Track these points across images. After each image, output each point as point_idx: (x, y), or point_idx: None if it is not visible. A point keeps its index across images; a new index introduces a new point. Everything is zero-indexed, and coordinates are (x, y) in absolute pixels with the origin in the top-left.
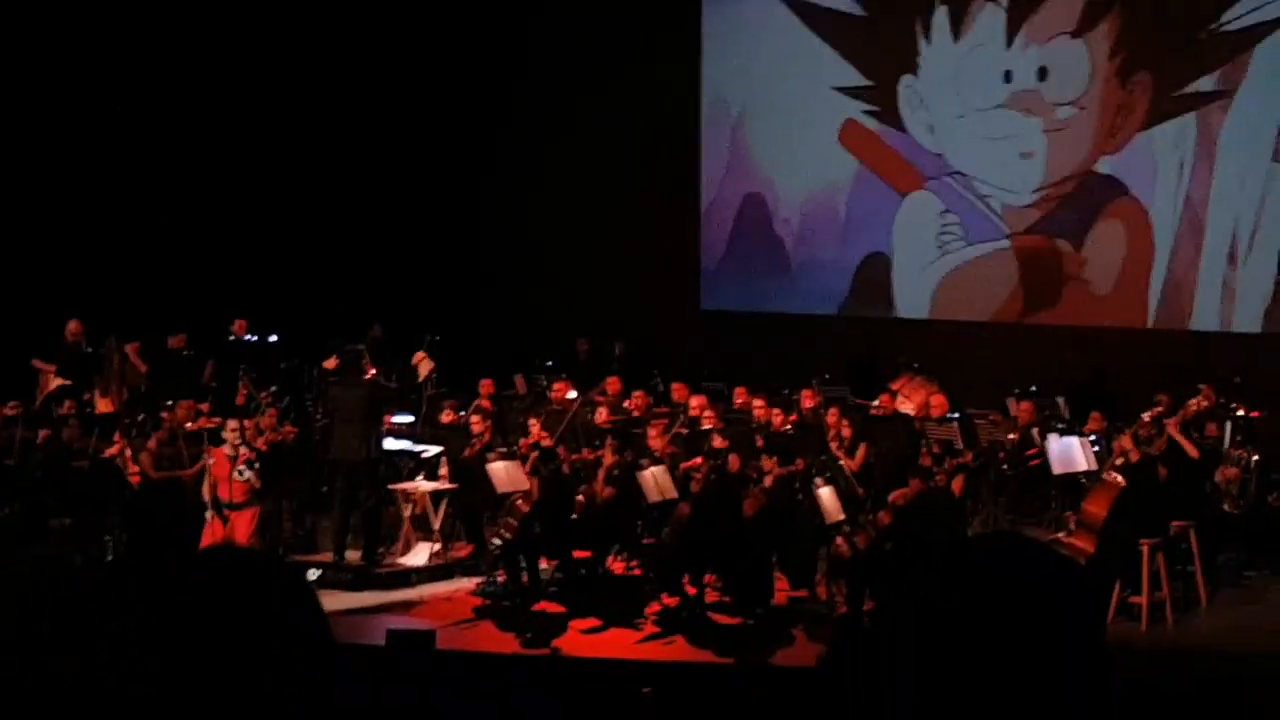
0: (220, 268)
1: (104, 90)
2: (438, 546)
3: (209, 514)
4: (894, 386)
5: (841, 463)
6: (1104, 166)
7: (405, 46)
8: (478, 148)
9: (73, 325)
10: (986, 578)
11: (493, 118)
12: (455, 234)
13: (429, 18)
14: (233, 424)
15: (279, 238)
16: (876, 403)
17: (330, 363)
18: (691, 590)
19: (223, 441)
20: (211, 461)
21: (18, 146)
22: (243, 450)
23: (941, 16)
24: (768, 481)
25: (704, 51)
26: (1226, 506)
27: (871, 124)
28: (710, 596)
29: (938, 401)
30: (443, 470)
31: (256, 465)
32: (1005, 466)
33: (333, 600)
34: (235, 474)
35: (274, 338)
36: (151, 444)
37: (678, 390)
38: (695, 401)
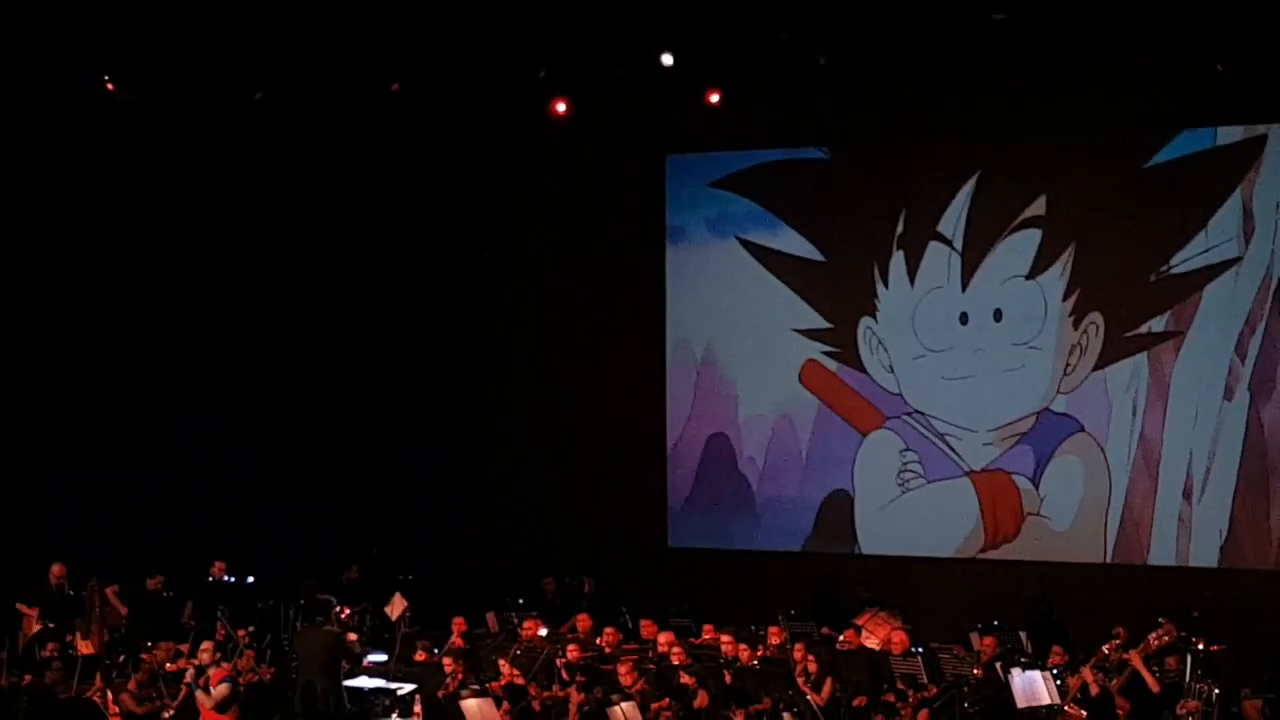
0: (199, 510)
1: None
2: None
3: None
4: (859, 622)
5: (809, 697)
6: (1060, 405)
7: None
8: (445, 393)
9: (56, 569)
10: None
11: (459, 361)
12: (426, 473)
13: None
14: (206, 644)
15: (254, 474)
16: (842, 638)
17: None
18: None
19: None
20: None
21: None
22: (213, 670)
23: (899, 261)
24: None
25: (668, 293)
26: None
27: (831, 364)
28: None
29: (899, 638)
30: (417, 708)
31: (227, 684)
32: (967, 704)
33: None
34: (201, 693)
35: (250, 579)
36: (132, 685)
37: (646, 627)
38: (663, 638)
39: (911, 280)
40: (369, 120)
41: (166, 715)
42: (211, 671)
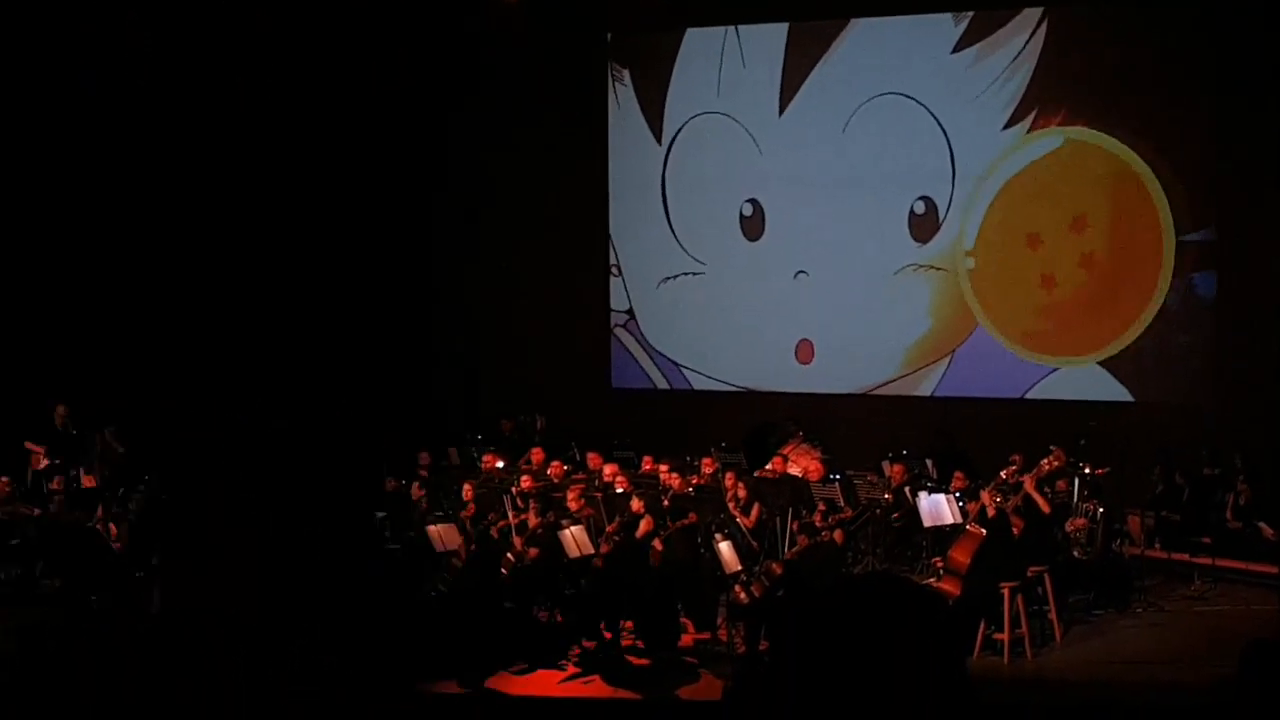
0: (181, 362)
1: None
2: None
3: None
4: (784, 451)
5: (738, 520)
6: None
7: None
8: (412, 260)
9: (60, 409)
10: (865, 609)
11: (425, 233)
12: (393, 325)
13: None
14: None
15: (240, 328)
16: (768, 466)
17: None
18: (608, 635)
19: None
20: None
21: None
22: None
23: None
24: (657, 543)
25: (610, 164)
26: (1076, 553)
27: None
28: (625, 640)
29: (815, 468)
30: (387, 533)
31: None
32: (894, 515)
33: None
34: None
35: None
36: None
37: (592, 459)
38: (608, 469)
39: None
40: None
41: None
42: None
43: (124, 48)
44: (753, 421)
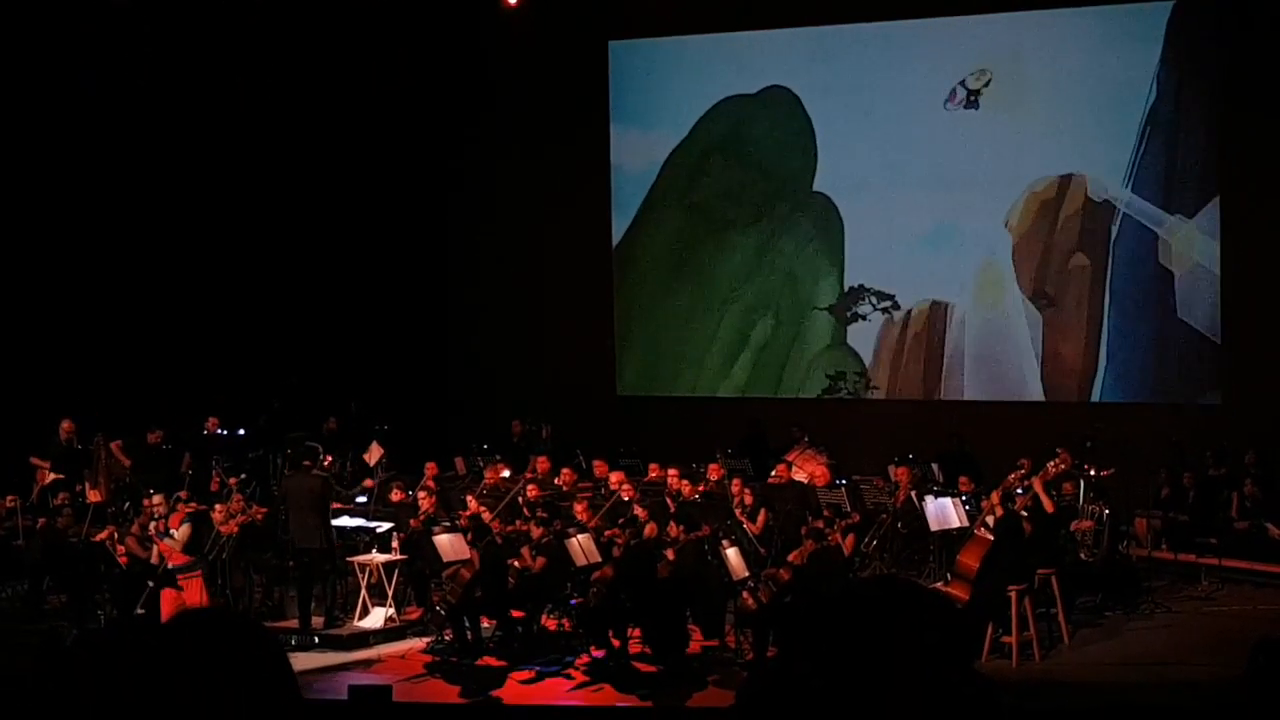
0: (194, 371)
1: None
2: (392, 611)
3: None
4: (789, 458)
5: (745, 526)
6: None
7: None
8: (419, 268)
9: (65, 425)
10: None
11: (433, 238)
12: (403, 333)
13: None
14: (157, 498)
15: (247, 340)
16: (774, 473)
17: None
18: (616, 643)
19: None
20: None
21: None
22: (162, 523)
23: None
24: (669, 554)
25: (612, 164)
26: (1083, 555)
27: None
28: (633, 648)
29: (821, 473)
30: (394, 543)
31: (187, 524)
32: (898, 524)
33: (300, 661)
34: (167, 539)
35: (242, 431)
36: (135, 529)
37: (599, 467)
38: (614, 477)
39: None
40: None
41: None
42: (171, 518)
43: (127, 50)
44: (752, 426)
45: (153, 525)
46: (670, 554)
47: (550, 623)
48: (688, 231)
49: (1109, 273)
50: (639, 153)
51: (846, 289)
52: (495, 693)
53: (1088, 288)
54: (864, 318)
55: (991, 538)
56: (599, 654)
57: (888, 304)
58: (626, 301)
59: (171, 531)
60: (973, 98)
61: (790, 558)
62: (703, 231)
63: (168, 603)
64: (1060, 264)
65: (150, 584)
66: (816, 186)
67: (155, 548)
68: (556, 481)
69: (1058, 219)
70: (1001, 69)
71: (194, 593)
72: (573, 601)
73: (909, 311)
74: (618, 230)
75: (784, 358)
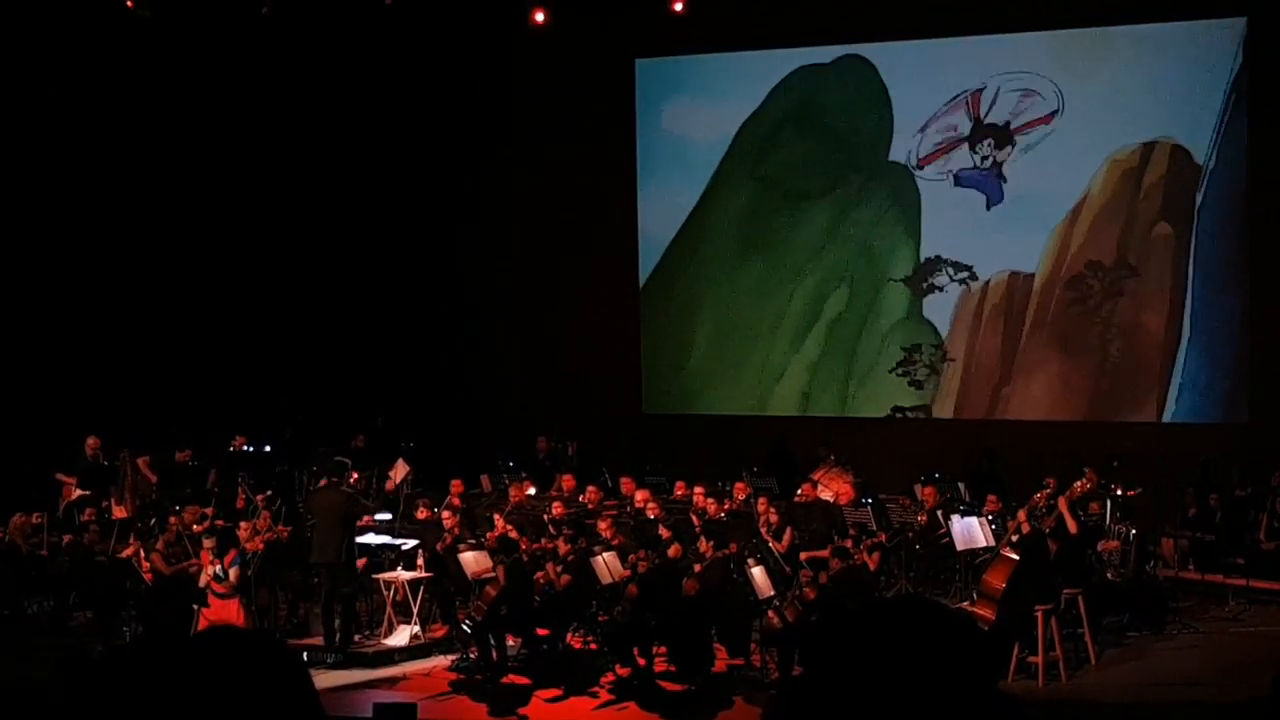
0: (221, 387)
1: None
2: (417, 628)
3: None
4: (815, 476)
5: (770, 545)
6: None
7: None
8: (447, 271)
9: (91, 441)
10: (899, 634)
11: (455, 253)
12: (429, 350)
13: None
14: (188, 512)
15: (274, 357)
16: (800, 491)
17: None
18: (641, 661)
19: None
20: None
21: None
22: (218, 562)
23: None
24: (697, 568)
25: (639, 187)
26: (1110, 575)
27: None
28: (658, 666)
29: (846, 491)
30: (419, 561)
31: (236, 567)
32: (916, 545)
33: (324, 678)
34: (215, 576)
35: (268, 448)
36: (160, 545)
37: (625, 485)
38: (640, 495)
39: None
40: (361, 33)
41: (193, 570)
42: (225, 560)
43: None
44: (780, 445)
45: (209, 569)
46: (698, 568)
47: (576, 641)
48: (759, 204)
49: (1193, 242)
50: (708, 126)
51: (923, 259)
52: (521, 710)
53: (1170, 257)
54: (940, 289)
55: (1017, 557)
56: (624, 672)
57: (965, 274)
58: (654, 313)
59: (228, 571)
60: None
61: (812, 577)
62: (777, 201)
63: (205, 620)
64: (1143, 232)
65: (195, 607)
66: (892, 156)
67: (203, 574)
68: (582, 499)
69: (1140, 187)
70: (1084, 35)
71: (233, 612)
72: (598, 619)
73: (986, 282)
74: (645, 263)
75: (858, 330)
